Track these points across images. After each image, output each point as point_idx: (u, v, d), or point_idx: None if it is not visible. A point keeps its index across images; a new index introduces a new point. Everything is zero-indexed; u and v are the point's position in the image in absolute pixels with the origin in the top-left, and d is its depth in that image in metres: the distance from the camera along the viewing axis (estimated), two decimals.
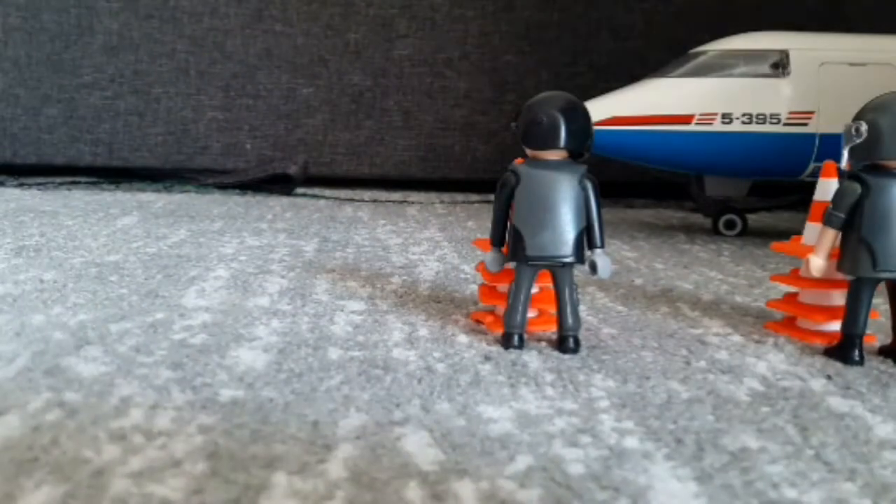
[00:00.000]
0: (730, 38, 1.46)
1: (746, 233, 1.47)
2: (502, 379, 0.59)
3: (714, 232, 1.47)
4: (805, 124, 1.37)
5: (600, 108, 1.37)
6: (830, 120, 1.36)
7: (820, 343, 0.71)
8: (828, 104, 1.37)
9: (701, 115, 1.36)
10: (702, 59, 1.42)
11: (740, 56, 1.41)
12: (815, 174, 1.39)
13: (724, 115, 1.36)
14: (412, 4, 2.30)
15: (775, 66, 1.38)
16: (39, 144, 2.33)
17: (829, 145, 1.36)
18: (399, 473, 0.43)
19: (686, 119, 1.36)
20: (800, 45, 1.41)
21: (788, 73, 1.38)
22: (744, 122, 1.36)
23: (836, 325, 0.69)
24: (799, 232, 0.78)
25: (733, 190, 1.48)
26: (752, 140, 1.37)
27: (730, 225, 1.47)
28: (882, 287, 0.67)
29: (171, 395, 0.54)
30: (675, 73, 1.42)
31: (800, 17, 1.74)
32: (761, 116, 1.36)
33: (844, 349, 0.66)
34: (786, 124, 1.36)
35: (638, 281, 1.00)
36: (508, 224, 0.68)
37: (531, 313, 0.71)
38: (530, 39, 2.29)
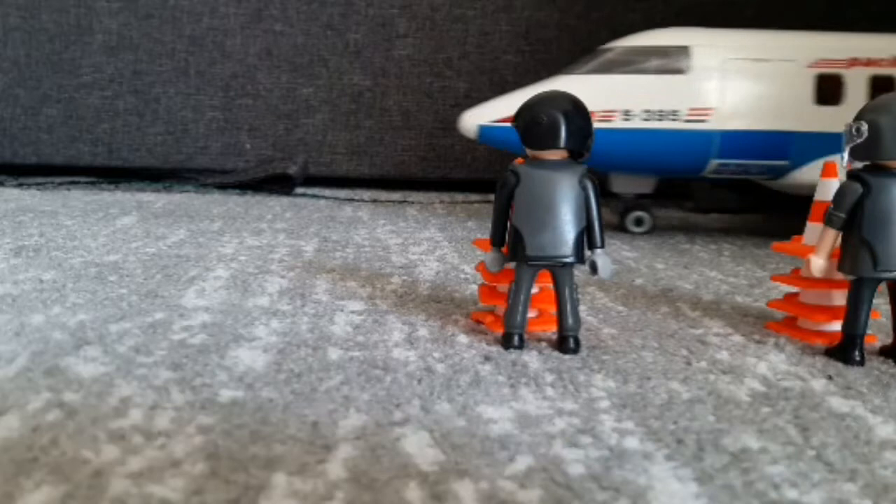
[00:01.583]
0: (637, 35, 1.46)
1: (654, 231, 1.48)
2: (502, 379, 0.59)
3: (621, 229, 1.47)
4: (704, 121, 1.37)
5: (507, 105, 1.36)
6: (732, 116, 1.37)
7: (821, 343, 0.71)
8: (729, 101, 1.37)
9: (601, 112, 1.36)
10: (608, 55, 1.42)
11: (643, 53, 1.40)
12: (719, 171, 1.40)
13: (624, 112, 1.36)
14: (412, 4, 2.30)
15: (676, 62, 1.38)
16: (39, 144, 2.33)
17: (730, 142, 1.37)
18: (399, 474, 0.43)
19: None
20: (702, 41, 1.41)
21: (689, 70, 1.38)
22: (644, 119, 1.36)
23: (836, 326, 0.69)
24: (799, 232, 0.78)
25: (639, 187, 1.48)
26: (651, 137, 1.37)
27: (638, 222, 1.47)
28: (883, 287, 0.67)
29: (171, 395, 0.54)
30: (580, 70, 1.42)
31: (801, 16, 1.74)
32: (661, 113, 1.36)
33: (845, 349, 0.66)
34: (686, 121, 1.36)
35: (638, 281, 1.00)
36: (508, 224, 0.68)
37: (531, 313, 0.71)
38: (530, 39, 2.29)
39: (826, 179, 0.74)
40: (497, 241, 0.69)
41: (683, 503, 0.41)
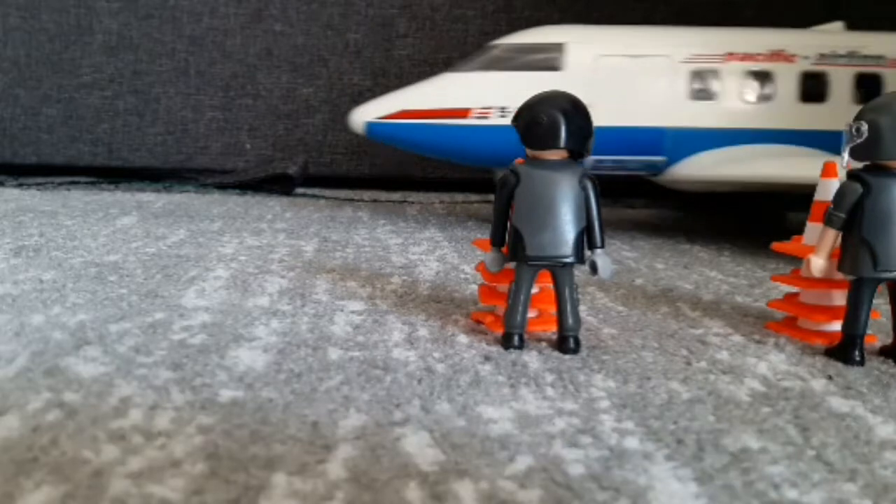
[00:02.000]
0: (521, 33, 1.46)
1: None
2: (502, 379, 0.59)
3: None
4: None
5: (393, 102, 1.39)
6: (606, 112, 1.34)
7: (821, 343, 0.71)
8: (604, 97, 1.35)
9: (479, 109, 1.37)
10: (492, 53, 1.42)
11: (524, 50, 1.41)
12: (596, 167, 1.39)
13: (501, 109, 1.37)
14: (412, 4, 2.30)
15: (552, 59, 1.39)
16: (39, 144, 2.33)
17: (605, 138, 1.35)
18: (399, 474, 0.43)
19: (463, 113, 1.37)
20: (577, 38, 1.41)
21: (564, 67, 1.38)
22: None
23: (836, 326, 0.69)
24: (799, 232, 0.78)
25: None
26: None
27: None
28: (883, 287, 0.67)
29: (171, 395, 0.54)
30: (465, 68, 1.42)
31: (801, 16, 1.74)
32: None
33: (845, 349, 0.66)
34: None
35: (638, 281, 1.00)
36: (508, 224, 0.68)
37: (531, 313, 0.71)
38: None
39: (826, 179, 0.74)
40: (497, 241, 0.69)
41: (683, 503, 0.41)
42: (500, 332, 0.69)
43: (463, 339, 0.70)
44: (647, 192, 2.11)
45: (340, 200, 1.93)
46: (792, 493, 0.42)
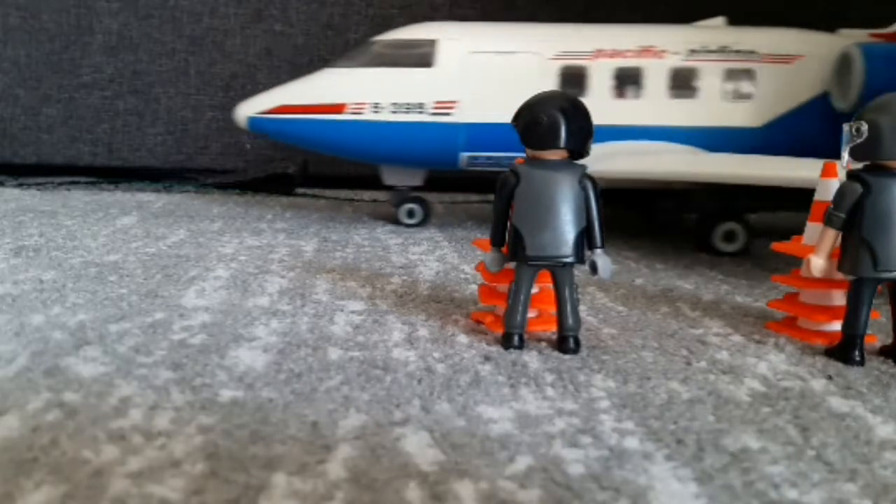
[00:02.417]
0: (400, 29, 1.47)
1: (427, 222, 1.48)
2: (502, 379, 0.59)
3: (397, 222, 1.48)
4: (449, 114, 1.37)
5: (273, 97, 1.40)
6: (476, 109, 1.36)
7: (821, 343, 0.71)
8: (474, 93, 1.37)
9: (353, 104, 1.37)
10: (371, 49, 1.43)
11: (400, 46, 1.41)
12: (473, 164, 1.40)
13: (374, 105, 1.37)
14: (412, 4, 2.30)
15: (424, 56, 1.39)
16: (39, 144, 2.33)
17: (476, 135, 1.37)
18: (399, 474, 0.43)
19: (338, 108, 1.38)
20: (450, 35, 1.41)
21: (435, 63, 1.38)
22: (392, 112, 1.37)
23: (836, 326, 0.69)
24: (800, 232, 0.78)
25: (409, 179, 1.49)
26: (399, 129, 1.38)
27: (410, 214, 1.48)
28: (883, 287, 0.67)
29: (171, 395, 0.54)
30: (343, 64, 1.43)
31: (802, 14, 1.74)
32: (408, 106, 1.37)
33: (845, 349, 0.66)
34: (432, 114, 1.37)
35: (638, 281, 1.00)
36: (508, 224, 0.68)
37: (531, 313, 0.71)
38: None
39: (826, 179, 0.74)
40: (497, 241, 0.69)
41: (683, 503, 0.41)
42: (500, 332, 0.69)
43: (463, 339, 0.70)
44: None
45: (340, 200, 1.93)
46: (792, 493, 0.42)
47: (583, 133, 0.66)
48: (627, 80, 1.42)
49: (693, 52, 1.42)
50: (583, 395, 0.56)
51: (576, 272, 0.68)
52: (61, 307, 0.76)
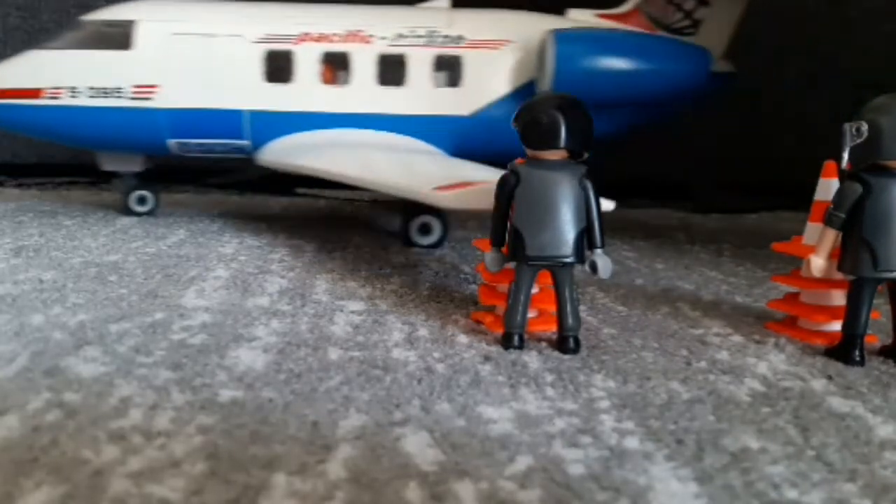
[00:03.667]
0: (106, 9, 1.40)
1: (157, 210, 1.46)
2: (502, 379, 0.59)
3: (125, 211, 1.45)
4: (149, 99, 1.32)
5: None
6: (179, 94, 1.31)
7: (821, 343, 0.71)
8: (177, 77, 1.31)
9: (50, 88, 1.32)
10: (79, 29, 1.37)
11: (102, 26, 1.35)
12: (185, 151, 1.35)
13: (71, 89, 1.32)
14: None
15: (123, 37, 1.33)
16: (39, 144, 2.32)
17: (180, 121, 1.33)
18: (399, 474, 0.43)
19: (35, 93, 1.33)
20: (150, 15, 1.35)
21: (134, 46, 1.33)
22: (90, 97, 1.32)
23: (836, 326, 0.69)
24: (800, 232, 0.78)
25: (128, 165, 1.44)
26: (98, 115, 1.32)
27: (141, 201, 1.45)
28: (883, 287, 0.67)
29: (171, 395, 0.54)
30: (49, 45, 1.37)
31: (804, 12, 1.74)
32: (105, 90, 1.32)
33: (845, 349, 0.66)
34: (131, 98, 1.32)
35: (638, 281, 1.00)
36: (508, 224, 0.68)
37: (531, 313, 0.71)
38: None
39: (826, 179, 0.74)
40: (497, 241, 0.69)
41: (683, 503, 0.41)
42: (500, 332, 0.69)
43: (463, 339, 0.70)
44: (647, 192, 2.11)
45: (340, 200, 1.93)
46: (792, 493, 0.42)
47: (583, 133, 0.66)
48: (335, 66, 1.36)
49: (401, 37, 1.36)
50: (583, 395, 0.56)
51: (576, 272, 0.68)
52: (61, 307, 0.76)
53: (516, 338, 0.67)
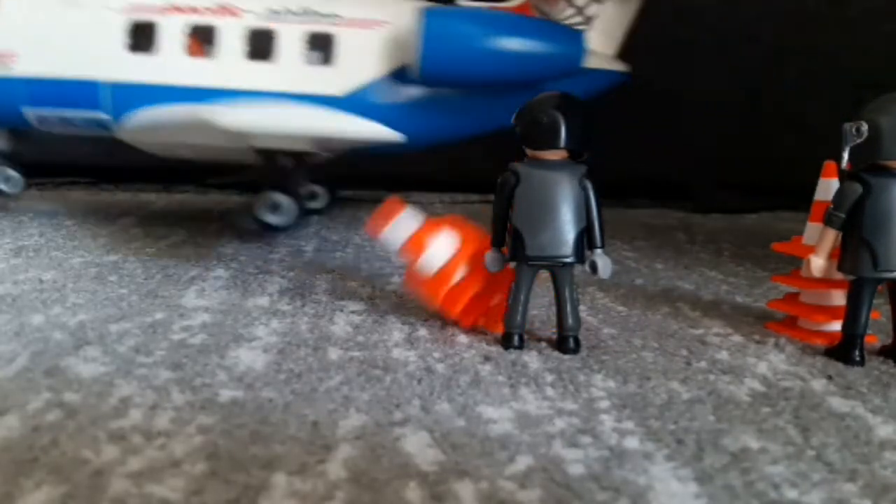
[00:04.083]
0: None
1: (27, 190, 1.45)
2: (502, 379, 0.59)
3: None
4: (8, 66, 1.29)
5: None
6: (37, 63, 1.28)
7: (821, 343, 0.71)
8: (35, 46, 1.28)
9: None
10: None
11: None
12: (46, 122, 1.31)
13: None
14: None
15: None
16: (39, 144, 2.32)
17: (37, 90, 1.29)
18: (399, 474, 0.43)
19: None
20: None
21: None
22: None
23: (836, 326, 0.69)
24: (800, 232, 0.78)
25: None
26: None
27: (6, 180, 1.45)
28: (883, 287, 0.67)
29: (171, 395, 0.54)
30: None
31: (803, 12, 1.74)
32: None
33: (845, 349, 0.66)
34: None
35: (638, 281, 1.00)
36: (508, 224, 0.68)
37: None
38: None
39: (826, 179, 0.74)
40: (497, 241, 0.69)
41: (683, 503, 0.41)
42: (500, 332, 0.69)
43: (463, 339, 0.70)
44: (647, 192, 2.11)
45: (340, 200, 1.93)
46: (792, 493, 0.42)
47: (583, 133, 0.66)
48: (202, 39, 1.33)
49: (274, 12, 1.34)
50: (583, 395, 0.56)
51: (576, 272, 0.68)
52: (61, 307, 0.76)
53: (516, 338, 0.67)
